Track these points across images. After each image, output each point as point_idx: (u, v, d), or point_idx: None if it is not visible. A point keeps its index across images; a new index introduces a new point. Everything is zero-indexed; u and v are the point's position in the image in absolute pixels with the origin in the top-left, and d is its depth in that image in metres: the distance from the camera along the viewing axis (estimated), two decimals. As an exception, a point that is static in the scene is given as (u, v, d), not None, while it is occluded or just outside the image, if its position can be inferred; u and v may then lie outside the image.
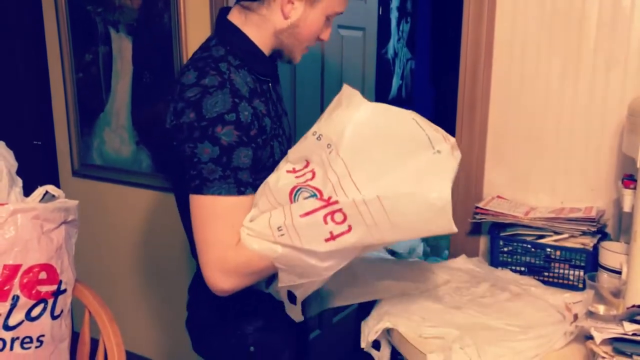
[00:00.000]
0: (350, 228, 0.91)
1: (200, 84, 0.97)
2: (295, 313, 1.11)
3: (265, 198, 0.97)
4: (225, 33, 1.08)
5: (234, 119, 0.95)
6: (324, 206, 0.90)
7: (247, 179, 0.97)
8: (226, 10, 1.13)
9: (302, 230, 0.91)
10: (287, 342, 1.23)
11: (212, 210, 0.95)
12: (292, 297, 1.09)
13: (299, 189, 0.94)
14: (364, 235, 0.91)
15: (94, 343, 1.31)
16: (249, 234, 0.96)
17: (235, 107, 0.96)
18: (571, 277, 1.40)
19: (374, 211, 0.89)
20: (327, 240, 0.91)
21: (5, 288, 1.12)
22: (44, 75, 2.52)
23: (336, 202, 0.90)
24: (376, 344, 1.28)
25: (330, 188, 0.92)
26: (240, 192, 0.96)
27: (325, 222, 0.90)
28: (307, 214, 0.91)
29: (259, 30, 1.08)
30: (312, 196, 0.93)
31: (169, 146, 1.02)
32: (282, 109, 1.20)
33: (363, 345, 1.27)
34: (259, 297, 1.13)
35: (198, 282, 1.20)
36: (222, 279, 0.97)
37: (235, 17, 1.09)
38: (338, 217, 0.90)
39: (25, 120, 2.63)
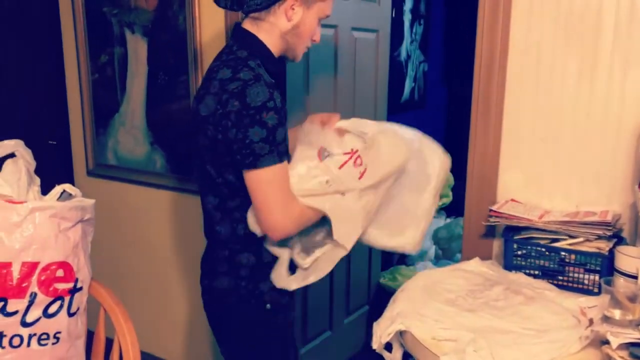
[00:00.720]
0: (366, 168, 1.29)
1: (238, 78, 1.20)
2: (286, 282, 1.32)
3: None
4: (244, 40, 1.30)
5: (273, 106, 1.19)
6: (351, 156, 1.29)
7: (283, 150, 1.23)
8: (239, 23, 1.35)
9: (343, 177, 1.27)
10: (293, 303, 1.42)
11: (268, 178, 1.21)
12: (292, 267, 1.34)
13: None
14: (372, 171, 1.29)
15: (108, 343, 1.32)
16: (303, 194, 1.25)
17: (272, 96, 1.19)
18: (586, 282, 1.39)
19: (373, 151, 1.30)
20: (359, 178, 1.28)
21: (24, 285, 1.14)
22: (60, 76, 2.55)
23: (357, 150, 1.31)
24: (388, 346, 1.28)
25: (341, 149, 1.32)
26: (282, 160, 1.22)
27: (355, 166, 1.29)
28: (342, 165, 1.29)
29: (270, 35, 1.30)
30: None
31: (204, 131, 1.24)
32: None
33: (375, 346, 1.27)
34: (267, 263, 1.34)
35: (212, 255, 1.38)
36: (289, 224, 1.24)
37: (249, 26, 1.31)
38: (359, 161, 1.29)
39: (41, 120, 2.66)
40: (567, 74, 1.51)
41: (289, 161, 1.29)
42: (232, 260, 1.34)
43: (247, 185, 1.23)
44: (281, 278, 1.33)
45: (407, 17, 3.70)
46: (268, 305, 1.34)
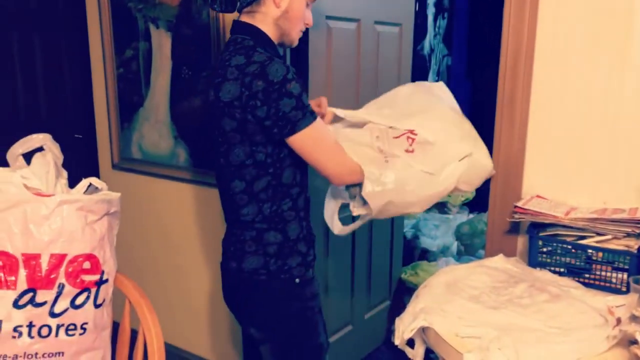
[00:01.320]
0: (413, 149, 1.44)
1: (254, 61, 1.30)
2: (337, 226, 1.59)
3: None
4: (246, 31, 1.40)
5: (292, 77, 1.30)
6: (406, 133, 1.43)
7: (311, 109, 1.34)
8: (237, 19, 1.44)
9: (392, 144, 1.44)
10: (315, 275, 1.51)
11: (310, 137, 1.33)
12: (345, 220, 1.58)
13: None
14: (417, 155, 1.43)
15: (133, 334, 1.34)
16: (349, 138, 1.45)
17: (288, 69, 1.30)
18: (614, 280, 1.36)
19: (429, 150, 1.43)
20: (406, 151, 1.44)
21: (52, 276, 1.16)
22: (86, 71, 2.59)
23: (415, 133, 1.43)
24: (410, 342, 1.27)
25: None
26: (315, 118, 1.34)
27: (407, 141, 1.43)
28: (398, 136, 1.45)
29: (264, 24, 1.41)
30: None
31: (231, 115, 1.32)
32: None
33: (397, 342, 1.27)
34: (293, 240, 1.43)
35: (238, 237, 1.44)
36: (343, 172, 1.40)
37: (246, 20, 1.42)
38: (410, 141, 1.43)
39: (67, 114, 2.71)
40: (596, 69, 1.47)
41: None
42: (260, 240, 1.41)
43: (295, 149, 1.35)
44: (333, 224, 1.59)
45: (430, 11, 3.66)
46: (297, 280, 1.43)
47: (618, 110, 1.46)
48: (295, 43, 1.48)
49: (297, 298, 1.45)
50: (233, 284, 1.49)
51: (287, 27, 1.42)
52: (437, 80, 3.87)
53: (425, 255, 3.23)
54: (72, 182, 1.32)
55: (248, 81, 1.28)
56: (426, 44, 3.66)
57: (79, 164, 2.66)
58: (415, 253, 3.23)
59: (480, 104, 4.28)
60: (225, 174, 1.42)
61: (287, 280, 1.42)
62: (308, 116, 1.31)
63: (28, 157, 1.30)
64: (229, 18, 2.04)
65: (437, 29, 3.78)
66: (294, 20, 1.42)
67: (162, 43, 2.25)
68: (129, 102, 2.43)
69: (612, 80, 1.46)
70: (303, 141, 1.33)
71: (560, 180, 1.57)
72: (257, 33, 1.40)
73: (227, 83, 1.31)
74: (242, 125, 1.32)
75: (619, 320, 1.11)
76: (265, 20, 1.40)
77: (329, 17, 2.06)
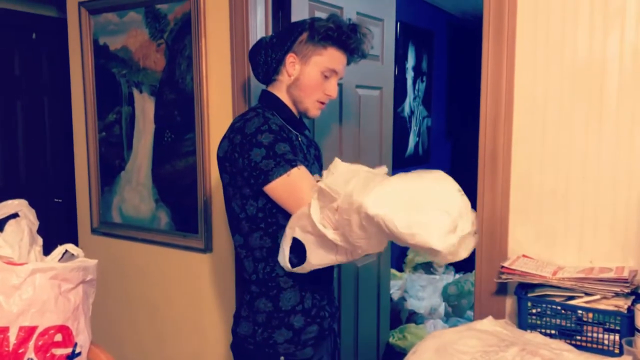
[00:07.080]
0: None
1: (242, 118, 1.37)
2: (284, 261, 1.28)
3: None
4: (261, 97, 1.49)
5: (267, 128, 1.31)
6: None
7: (292, 157, 1.29)
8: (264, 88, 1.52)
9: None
10: (314, 357, 1.37)
11: (284, 187, 1.28)
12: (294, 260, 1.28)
13: None
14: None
15: (107, 409, 1.26)
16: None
17: (266, 121, 1.32)
18: (606, 342, 1.33)
19: None
20: None
21: (20, 351, 1.09)
22: (68, 135, 2.58)
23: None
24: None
25: None
26: (293, 166, 1.28)
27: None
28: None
29: (279, 91, 1.47)
30: None
31: (224, 170, 1.38)
32: (312, 157, 1.53)
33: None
34: (285, 311, 1.35)
35: (239, 298, 1.45)
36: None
37: (269, 88, 1.50)
38: None
39: (48, 178, 2.68)
40: (574, 125, 1.50)
41: (304, 161, 1.35)
42: (252, 305, 1.38)
43: (273, 199, 1.32)
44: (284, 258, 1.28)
45: (409, 75, 3.78)
46: (282, 358, 1.35)
47: (598, 167, 1.48)
48: (312, 113, 1.46)
49: None
50: (232, 345, 1.46)
51: (298, 95, 1.44)
52: (417, 141, 3.93)
53: (413, 317, 3.16)
54: (51, 247, 1.27)
55: (232, 136, 1.35)
56: (406, 106, 3.75)
57: (58, 229, 2.60)
58: (402, 315, 3.16)
59: (461, 163, 4.35)
60: (231, 228, 1.44)
61: (271, 355, 1.35)
62: (283, 164, 1.28)
63: (3, 223, 1.26)
64: (212, 83, 2.07)
65: (416, 92, 3.89)
66: (305, 89, 1.43)
67: (145, 107, 2.26)
68: (111, 166, 2.41)
69: (590, 137, 1.49)
70: (275, 190, 1.30)
71: (545, 239, 1.57)
72: (270, 98, 1.46)
73: (223, 141, 1.39)
74: (233, 179, 1.36)
75: (615, 385, 1.07)
76: (280, 87, 1.46)
77: (311, 81, 2.10)
